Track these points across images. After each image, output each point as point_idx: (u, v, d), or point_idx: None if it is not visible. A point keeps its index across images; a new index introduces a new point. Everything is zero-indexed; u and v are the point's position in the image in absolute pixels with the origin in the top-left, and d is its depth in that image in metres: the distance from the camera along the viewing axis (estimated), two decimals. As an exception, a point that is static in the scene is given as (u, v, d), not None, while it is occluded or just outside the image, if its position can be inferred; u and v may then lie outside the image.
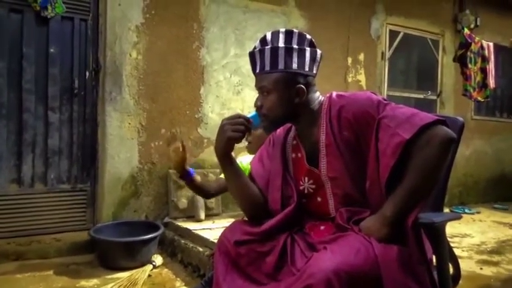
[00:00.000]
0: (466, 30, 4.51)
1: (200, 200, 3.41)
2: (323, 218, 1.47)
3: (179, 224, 3.26)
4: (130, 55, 3.31)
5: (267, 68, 1.38)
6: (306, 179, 1.46)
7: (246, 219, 1.56)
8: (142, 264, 2.82)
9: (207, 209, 3.47)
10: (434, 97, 5.22)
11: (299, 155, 1.49)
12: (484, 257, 3.29)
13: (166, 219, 3.39)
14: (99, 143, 3.31)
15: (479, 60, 4.51)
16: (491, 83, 4.59)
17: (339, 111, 1.37)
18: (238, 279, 1.39)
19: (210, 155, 3.68)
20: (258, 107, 1.42)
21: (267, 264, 1.39)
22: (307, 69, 1.39)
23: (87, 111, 3.31)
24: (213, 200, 3.55)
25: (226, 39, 3.74)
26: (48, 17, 3.12)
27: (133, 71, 3.33)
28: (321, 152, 1.40)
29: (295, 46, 1.37)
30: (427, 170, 1.23)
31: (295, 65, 1.37)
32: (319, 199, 1.46)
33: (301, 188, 1.48)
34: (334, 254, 1.15)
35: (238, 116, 1.38)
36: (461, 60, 4.49)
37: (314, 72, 1.43)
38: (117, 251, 2.84)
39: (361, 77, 4.58)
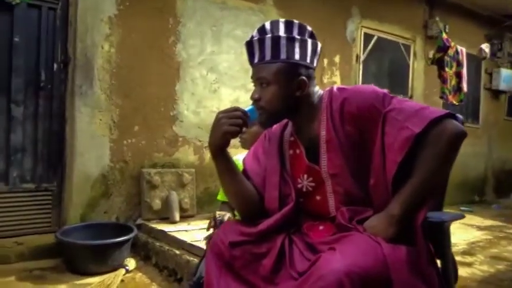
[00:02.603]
0: (444, 34, 4.62)
1: (175, 201, 3.28)
2: (321, 218, 1.40)
3: (153, 225, 3.11)
4: (102, 47, 3.14)
5: (268, 57, 1.29)
6: (305, 176, 1.39)
7: (239, 219, 1.48)
8: (114, 269, 2.66)
9: (182, 210, 3.34)
10: (405, 101, 5.29)
11: (297, 151, 1.42)
12: (458, 258, 3.34)
13: (139, 221, 3.23)
14: (67, 140, 3.11)
15: (454, 64, 4.63)
16: (464, 87, 4.73)
17: (342, 104, 1.30)
18: (232, 282, 1.30)
19: (184, 154, 3.55)
20: (256, 100, 1.33)
21: (263, 266, 1.30)
22: (308, 61, 1.32)
23: (54, 105, 3.10)
24: (187, 200, 3.42)
25: (203, 35, 3.63)
26: (13, 3, 2.90)
27: (106, 65, 3.16)
28: (321, 148, 1.33)
29: (297, 36, 1.30)
30: (437, 165, 1.18)
31: (297, 56, 1.30)
32: (318, 198, 1.39)
33: (299, 186, 1.41)
34: (344, 255, 1.07)
35: (236, 109, 1.28)
36: (438, 63, 4.59)
37: (314, 65, 1.36)
38: (87, 254, 2.66)
39: (337, 79, 4.58)
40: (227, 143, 1.30)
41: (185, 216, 3.35)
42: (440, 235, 1.27)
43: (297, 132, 1.42)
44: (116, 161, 3.22)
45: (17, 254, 2.78)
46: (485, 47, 5.35)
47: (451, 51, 4.56)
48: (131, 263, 2.75)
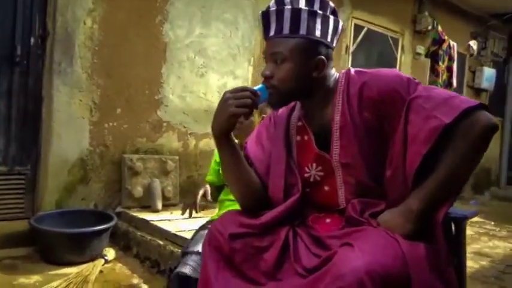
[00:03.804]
0: (440, 28, 4.58)
1: (157, 189, 3.13)
2: (329, 210, 1.29)
3: (134, 214, 2.96)
4: (84, 23, 2.93)
5: (286, 31, 1.17)
6: (314, 165, 1.28)
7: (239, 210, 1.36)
8: (92, 259, 2.51)
9: (164, 198, 3.20)
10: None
11: (305, 137, 1.30)
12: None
13: (119, 209, 3.06)
14: (43, 120, 2.90)
15: (446, 58, 4.61)
16: (454, 82, 4.72)
17: (361, 88, 1.19)
18: (232, 278, 1.19)
19: (168, 140, 3.40)
20: (267, 77, 1.20)
21: (265, 261, 1.20)
22: (329, 39, 1.21)
23: (30, 83, 2.88)
24: (170, 189, 3.28)
25: (192, 16, 3.46)
26: (-13, -31, 2.67)
27: (87, 41, 2.95)
28: (334, 135, 1.22)
29: (319, 11, 1.18)
30: (466, 160, 1.09)
31: (318, 32, 1.17)
32: (326, 188, 1.28)
33: (306, 175, 1.30)
34: (364, 253, 0.97)
35: (244, 89, 1.16)
36: (432, 57, 4.56)
37: (334, 44, 1.24)
38: (63, 243, 2.49)
39: (326, 69, 4.49)
40: (233, 127, 1.17)
41: (168, 205, 3.20)
42: (458, 232, 1.20)
43: (306, 116, 1.30)
44: (96, 144, 3.04)
45: (-15, 241, 2.58)
46: (473, 44, 5.37)
47: (444, 45, 4.54)
48: (110, 253, 2.60)
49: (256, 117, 1.88)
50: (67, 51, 2.88)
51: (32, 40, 2.87)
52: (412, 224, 1.09)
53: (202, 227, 1.85)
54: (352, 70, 1.25)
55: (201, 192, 2.10)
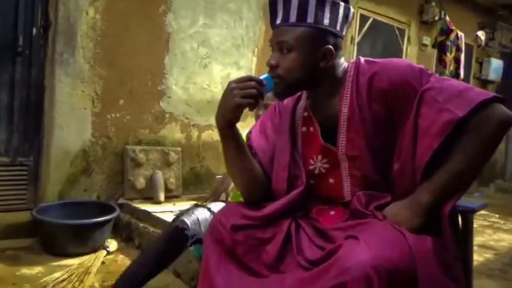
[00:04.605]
0: (448, 18, 4.51)
1: (160, 180, 3.12)
2: (333, 202, 1.27)
3: (136, 205, 2.94)
4: (87, 13, 2.90)
5: (292, 19, 1.13)
6: (319, 157, 1.25)
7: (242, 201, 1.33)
8: (94, 250, 2.49)
9: (167, 190, 3.18)
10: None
11: (311, 129, 1.27)
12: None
13: (121, 200, 3.05)
14: (45, 111, 2.89)
15: (453, 49, 4.55)
16: (461, 73, 4.66)
17: (371, 79, 1.15)
18: (234, 270, 1.17)
19: (171, 132, 3.38)
20: (273, 66, 1.17)
21: (267, 253, 1.18)
22: (338, 28, 1.17)
23: (32, 73, 2.86)
24: (173, 180, 3.27)
25: (195, 6, 3.41)
26: (-12, -42, 2.64)
27: (90, 32, 2.92)
28: (341, 127, 1.19)
29: None
30: (480, 154, 1.05)
31: (326, 21, 1.14)
32: (331, 181, 1.25)
33: (311, 167, 1.27)
34: (370, 246, 0.95)
35: (249, 78, 1.12)
36: (440, 47, 4.49)
37: (344, 33, 1.20)
38: (66, 234, 2.48)
39: (330, 60, 4.43)
40: (238, 118, 1.14)
41: (170, 197, 3.19)
42: (465, 225, 1.17)
43: (312, 107, 1.27)
44: (98, 136, 3.02)
45: (-12, 232, 2.57)
46: (481, 34, 5.29)
47: (452, 36, 4.47)
48: (112, 244, 2.59)
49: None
50: (69, 41, 2.86)
51: (34, 30, 2.85)
52: (420, 218, 1.06)
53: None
54: (362, 59, 1.21)
55: (228, 190, 2.03)
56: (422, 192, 1.07)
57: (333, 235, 1.15)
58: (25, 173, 2.88)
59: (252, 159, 1.26)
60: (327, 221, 1.24)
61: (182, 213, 1.84)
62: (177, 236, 1.74)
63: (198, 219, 1.77)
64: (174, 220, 1.81)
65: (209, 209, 1.85)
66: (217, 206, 1.87)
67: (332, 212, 1.26)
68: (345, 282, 0.90)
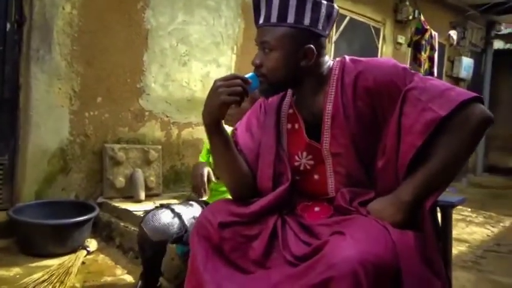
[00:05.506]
0: (422, 17, 4.61)
1: (140, 179, 3.08)
2: (317, 199, 1.30)
3: (116, 204, 2.91)
4: (63, 8, 2.83)
5: (273, 19, 1.15)
6: (304, 153, 1.28)
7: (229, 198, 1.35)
8: (73, 250, 2.45)
9: (147, 188, 3.15)
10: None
11: (296, 126, 1.30)
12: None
13: (100, 199, 3.00)
14: (20, 109, 2.81)
15: (428, 48, 4.66)
16: (435, 72, 4.79)
17: (356, 78, 1.18)
18: (221, 267, 1.18)
19: (151, 130, 3.35)
20: (257, 66, 1.19)
21: (254, 249, 1.20)
22: (320, 27, 1.19)
23: (6, 70, 2.78)
24: (153, 178, 3.24)
25: (174, 2, 3.38)
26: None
27: (67, 28, 2.86)
28: (325, 124, 1.22)
29: None
30: (461, 151, 1.10)
31: (307, 20, 1.16)
32: (316, 177, 1.28)
33: (296, 164, 1.29)
34: (357, 241, 0.98)
35: (235, 77, 1.14)
36: (416, 46, 4.60)
37: (327, 32, 1.22)
38: (44, 235, 2.43)
39: (308, 58, 4.48)
40: (223, 115, 1.16)
41: (150, 195, 3.16)
42: (445, 219, 1.22)
43: (297, 104, 1.29)
44: (76, 134, 2.96)
45: (-38, 234, 2.50)
46: (453, 33, 5.44)
47: (426, 35, 4.59)
48: (92, 244, 2.55)
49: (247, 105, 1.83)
50: (45, 37, 2.79)
51: (8, 26, 2.76)
52: (403, 214, 1.10)
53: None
54: (347, 58, 1.24)
55: (205, 173, 1.90)
56: (405, 188, 1.11)
57: (318, 231, 1.18)
58: (0, 172, 2.81)
59: (238, 156, 1.27)
60: (312, 217, 1.26)
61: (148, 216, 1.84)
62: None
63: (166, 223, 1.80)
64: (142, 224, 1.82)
65: (173, 210, 1.86)
66: (180, 208, 1.90)
67: (317, 208, 1.29)
68: (332, 278, 0.92)
